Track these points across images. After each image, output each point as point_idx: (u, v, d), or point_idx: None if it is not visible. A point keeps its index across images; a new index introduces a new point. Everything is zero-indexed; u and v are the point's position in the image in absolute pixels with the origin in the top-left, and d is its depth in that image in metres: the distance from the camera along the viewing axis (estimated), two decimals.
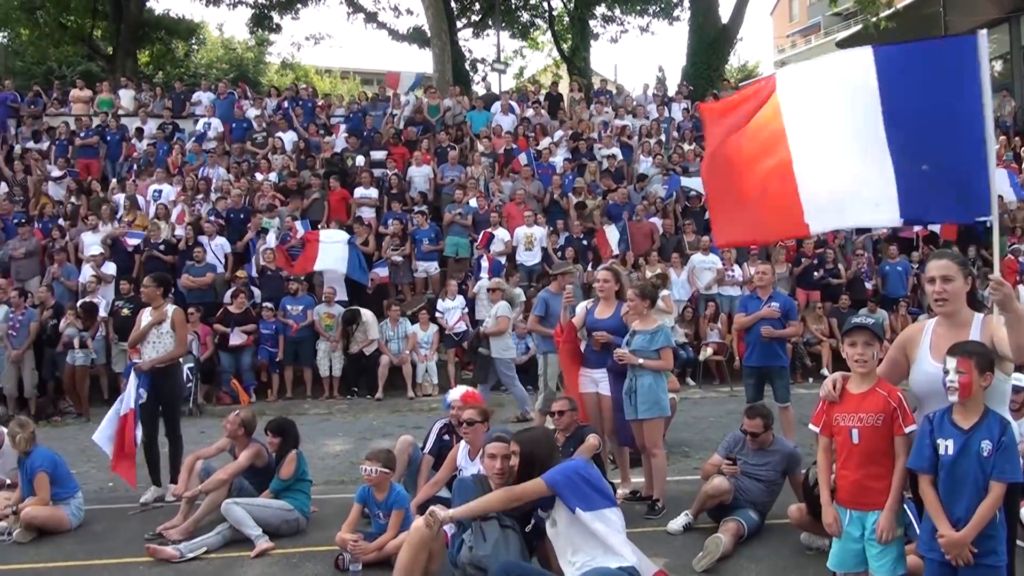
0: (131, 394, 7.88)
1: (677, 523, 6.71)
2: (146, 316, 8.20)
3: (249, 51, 40.97)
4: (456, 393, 7.46)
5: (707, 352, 14.29)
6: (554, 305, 9.58)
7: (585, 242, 15.84)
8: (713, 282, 15.09)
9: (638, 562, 4.77)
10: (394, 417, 12.23)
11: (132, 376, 8.01)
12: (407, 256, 15.35)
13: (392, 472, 6.36)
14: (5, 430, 7.65)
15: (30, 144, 18.15)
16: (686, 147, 18.92)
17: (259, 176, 16.81)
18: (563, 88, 24.85)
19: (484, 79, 34.38)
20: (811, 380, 14.53)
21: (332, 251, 14.30)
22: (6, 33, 32.56)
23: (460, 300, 14.42)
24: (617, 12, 34.11)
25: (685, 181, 17.59)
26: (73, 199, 16.14)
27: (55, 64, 31.83)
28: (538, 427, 5.42)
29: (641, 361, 6.99)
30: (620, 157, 18.41)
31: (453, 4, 31.29)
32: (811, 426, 4.65)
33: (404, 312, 14.16)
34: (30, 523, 7.12)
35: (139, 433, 7.81)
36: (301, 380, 13.98)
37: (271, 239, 14.82)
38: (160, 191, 16.01)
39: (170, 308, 8.18)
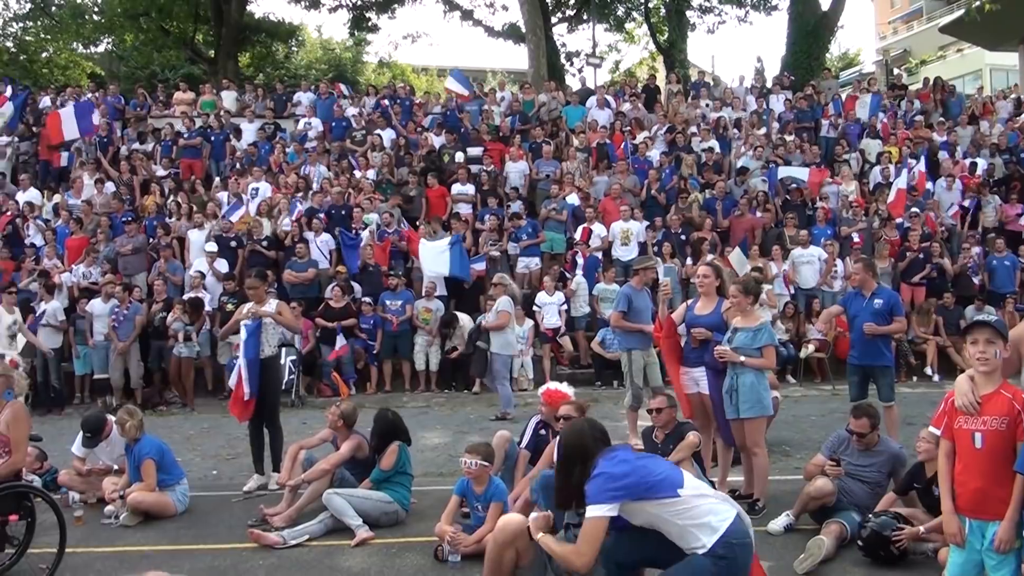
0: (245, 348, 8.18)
1: (778, 523, 6.54)
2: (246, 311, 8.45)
3: (347, 51, 41.63)
4: (541, 389, 7.48)
5: (808, 349, 13.93)
6: (637, 301, 9.47)
7: (684, 237, 15.64)
8: (823, 278, 14.78)
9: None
10: (491, 411, 12.24)
11: (242, 329, 8.26)
12: (504, 251, 15.41)
13: (491, 466, 6.38)
14: (113, 419, 7.93)
15: (136, 145, 18.74)
16: (788, 138, 18.50)
17: (358, 173, 17.08)
18: (659, 81, 24.55)
19: (580, 72, 34.37)
20: (915, 379, 14.08)
21: (434, 254, 14.45)
22: (111, 39, 33.76)
23: (559, 296, 14.39)
24: (715, 2, 33.59)
25: (785, 172, 17.22)
26: (177, 198, 16.64)
27: (158, 68, 32.91)
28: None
29: (743, 359, 6.81)
30: (718, 150, 18.11)
31: None
32: (931, 429, 4.45)
33: None
34: (137, 508, 7.38)
35: (248, 387, 8.06)
36: (399, 374, 14.18)
37: (367, 235, 15.04)
38: (257, 189, 16.38)
39: (273, 302, 8.42)
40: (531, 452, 7.35)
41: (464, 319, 13.97)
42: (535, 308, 14.29)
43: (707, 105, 20.47)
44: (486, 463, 6.24)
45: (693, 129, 19.01)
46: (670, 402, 7.14)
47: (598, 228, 15.65)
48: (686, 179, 16.94)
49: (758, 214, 16.14)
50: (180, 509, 7.63)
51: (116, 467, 8.10)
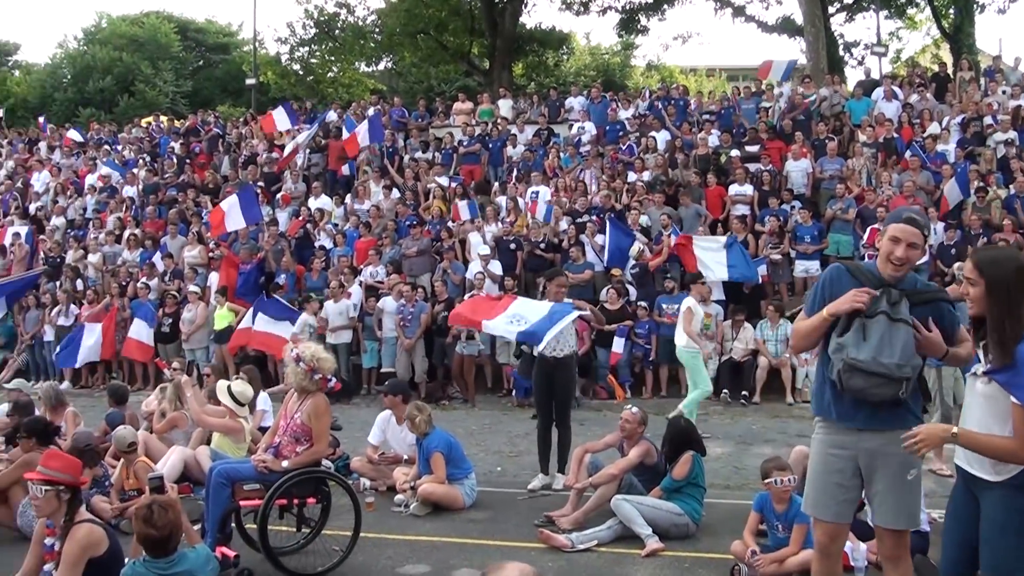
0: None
1: None
2: None
3: (615, 56, 41.83)
4: None
5: None
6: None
7: (986, 238, 14.14)
8: None
9: None
10: (774, 422, 11.70)
11: None
12: (786, 254, 14.64)
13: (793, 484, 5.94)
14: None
15: (418, 154, 19.62)
16: None
17: (632, 176, 16.90)
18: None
19: (860, 63, 32.47)
20: None
21: (709, 256, 13.98)
22: (391, 57, 35.74)
23: None
24: None
25: None
26: (459, 202, 17.19)
27: (434, 82, 34.50)
28: None
29: None
30: (1018, 143, 16.28)
31: None
32: None
33: (784, 313, 13.49)
34: (427, 498, 7.56)
35: None
36: (676, 379, 13.80)
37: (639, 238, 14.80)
38: (537, 193, 16.60)
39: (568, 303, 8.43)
40: None
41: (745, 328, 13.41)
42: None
43: (1004, 93, 18.49)
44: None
45: (989, 120, 17.21)
46: None
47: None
48: (986, 175, 15.32)
49: None
50: (468, 503, 7.74)
51: (406, 457, 8.34)
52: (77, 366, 15.88)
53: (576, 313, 8.48)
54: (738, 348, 13.38)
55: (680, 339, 10.56)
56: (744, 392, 13.10)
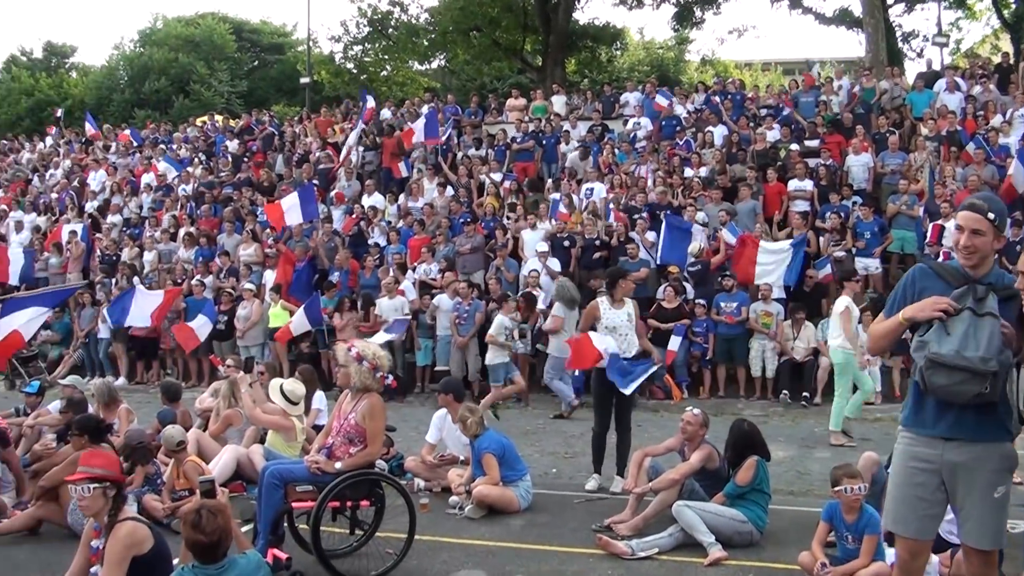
0: None
1: None
2: (604, 308, 8.23)
3: (669, 52, 41.36)
4: None
5: None
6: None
7: None
8: None
9: None
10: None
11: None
12: (848, 251, 14.23)
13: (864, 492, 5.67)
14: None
15: (471, 151, 19.54)
16: None
17: (689, 172, 16.59)
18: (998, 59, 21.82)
19: (919, 55, 31.74)
20: None
21: (771, 261, 13.68)
22: (444, 55, 35.67)
23: None
24: None
25: None
26: (512, 199, 17.04)
27: (487, 80, 34.36)
28: None
29: None
30: None
31: None
32: None
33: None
34: (482, 501, 7.40)
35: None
36: (733, 379, 13.51)
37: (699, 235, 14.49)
38: (592, 189, 16.39)
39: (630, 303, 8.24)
40: None
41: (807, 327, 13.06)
42: None
43: None
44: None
45: None
46: None
47: (953, 225, 13.93)
48: None
49: None
50: (523, 505, 7.56)
51: (462, 457, 8.20)
52: (126, 325, 15.67)
53: (654, 367, 8.53)
54: (799, 348, 13.00)
55: (835, 339, 10.31)
56: (805, 393, 12.75)
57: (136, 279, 16.95)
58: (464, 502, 7.56)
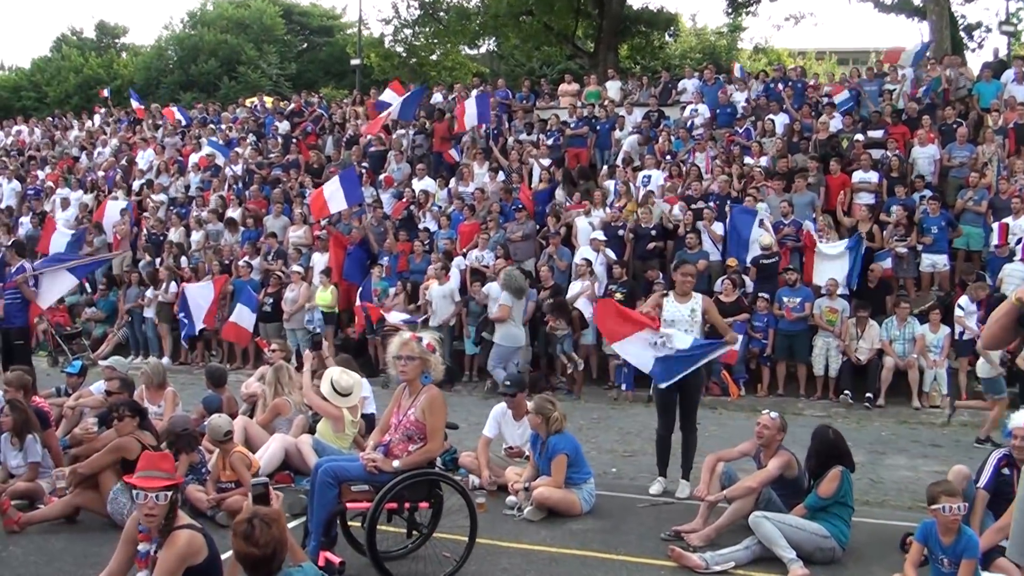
0: None
1: None
2: (668, 300, 7.85)
3: (721, 39, 40.63)
4: (1020, 418, 6.04)
5: None
6: None
7: None
8: None
9: None
10: (903, 429, 10.93)
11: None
12: (912, 247, 13.66)
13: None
14: (531, 405, 7.63)
15: (523, 136, 19.19)
16: None
17: (749, 160, 16.06)
18: None
19: (980, 46, 30.78)
20: None
21: (830, 261, 13.24)
22: (495, 40, 35.22)
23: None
24: None
25: None
26: (561, 187, 16.62)
27: (536, 65, 33.85)
28: None
29: None
30: None
31: None
32: None
33: (913, 310, 12.57)
34: (543, 503, 7.05)
35: None
36: (794, 377, 13.01)
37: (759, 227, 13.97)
38: (649, 177, 15.94)
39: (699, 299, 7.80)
40: (991, 494, 6.04)
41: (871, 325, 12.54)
42: (958, 312, 12.32)
43: None
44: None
45: None
46: None
47: (1022, 222, 13.28)
48: None
49: None
50: (585, 509, 7.20)
51: (527, 452, 7.83)
52: (198, 329, 15.70)
53: (725, 349, 8.09)
54: (863, 347, 12.47)
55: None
56: (868, 394, 12.25)
57: (183, 259, 16.82)
58: (523, 502, 7.20)
